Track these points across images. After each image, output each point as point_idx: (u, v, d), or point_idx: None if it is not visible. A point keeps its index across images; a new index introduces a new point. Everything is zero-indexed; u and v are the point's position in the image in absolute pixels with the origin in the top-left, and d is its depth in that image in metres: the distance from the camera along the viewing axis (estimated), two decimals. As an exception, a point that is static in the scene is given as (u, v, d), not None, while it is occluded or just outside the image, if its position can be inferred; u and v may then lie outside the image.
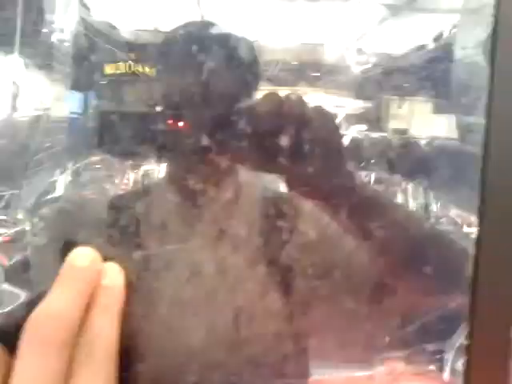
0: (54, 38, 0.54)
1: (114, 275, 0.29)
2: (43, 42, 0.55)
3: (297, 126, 0.44)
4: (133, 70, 0.52)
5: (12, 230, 0.52)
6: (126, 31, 0.56)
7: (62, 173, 0.55)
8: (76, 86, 0.53)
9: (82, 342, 0.26)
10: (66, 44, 0.52)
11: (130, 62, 0.51)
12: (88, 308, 0.27)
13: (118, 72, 0.51)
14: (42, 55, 0.54)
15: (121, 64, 0.52)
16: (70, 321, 0.26)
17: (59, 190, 0.54)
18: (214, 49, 0.52)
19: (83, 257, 0.28)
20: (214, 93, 0.50)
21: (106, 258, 0.30)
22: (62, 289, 0.27)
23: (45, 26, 0.55)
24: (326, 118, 0.46)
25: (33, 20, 0.55)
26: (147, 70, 0.53)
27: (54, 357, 0.24)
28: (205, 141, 0.42)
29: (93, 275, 0.28)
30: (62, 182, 0.54)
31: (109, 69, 0.52)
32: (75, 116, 0.51)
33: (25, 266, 0.47)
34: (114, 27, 0.55)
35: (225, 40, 0.53)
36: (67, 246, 0.30)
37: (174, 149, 0.48)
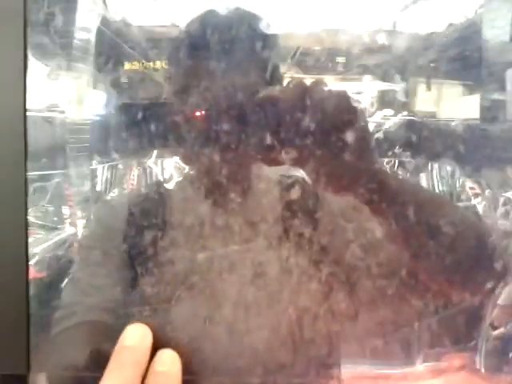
0: (77, 37, 0.54)
1: (169, 361, 0.29)
2: (66, 41, 0.55)
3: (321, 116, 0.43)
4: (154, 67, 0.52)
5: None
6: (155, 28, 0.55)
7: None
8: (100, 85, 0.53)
9: None
10: (89, 43, 0.52)
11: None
12: None
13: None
14: (63, 55, 0.55)
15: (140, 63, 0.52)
16: None
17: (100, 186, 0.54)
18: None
19: (133, 335, 0.28)
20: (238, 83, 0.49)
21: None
22: (114, 374, 0.27)
23: (67, 25, 0.56)
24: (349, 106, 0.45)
25: (55, 19, 0.56)
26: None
27: None
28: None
29: (143, 351, 0.28)
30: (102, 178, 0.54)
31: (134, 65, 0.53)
32: (97, 118, 0.51)
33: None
34: (131, 25, 0.55)
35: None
36: None
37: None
